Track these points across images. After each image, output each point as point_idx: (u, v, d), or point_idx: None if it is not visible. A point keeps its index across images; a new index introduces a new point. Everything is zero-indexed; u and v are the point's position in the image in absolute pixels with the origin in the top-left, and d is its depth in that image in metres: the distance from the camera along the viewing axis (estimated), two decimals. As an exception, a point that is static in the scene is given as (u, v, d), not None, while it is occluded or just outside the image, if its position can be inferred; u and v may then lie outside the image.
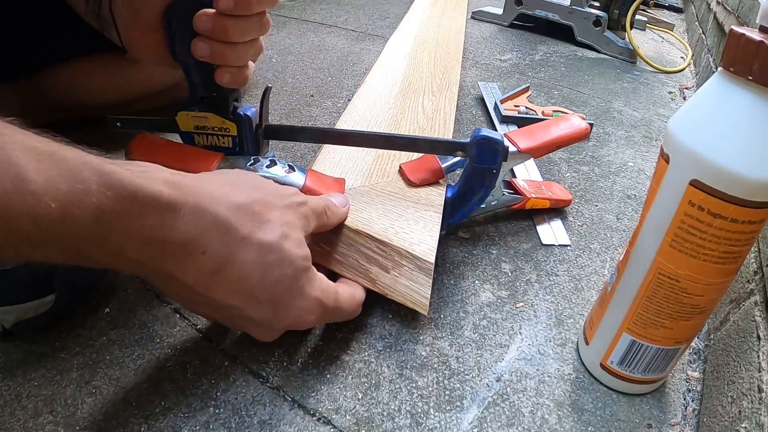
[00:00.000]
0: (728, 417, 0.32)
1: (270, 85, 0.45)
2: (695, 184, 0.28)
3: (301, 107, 0.74)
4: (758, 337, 0.33)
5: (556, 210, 0.57)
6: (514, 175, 0.61)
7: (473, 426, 0.34)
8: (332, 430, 0.33)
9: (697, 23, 1.35)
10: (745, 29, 0.27)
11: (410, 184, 0.47)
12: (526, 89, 0.81)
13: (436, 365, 0.38)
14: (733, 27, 0.27)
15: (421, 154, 0.49)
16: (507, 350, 0.40)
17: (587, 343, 0.39)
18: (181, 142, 0.44)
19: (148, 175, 0.27)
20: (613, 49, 1.14)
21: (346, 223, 0.40)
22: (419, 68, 0.77)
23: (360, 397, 0.35)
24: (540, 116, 0.73)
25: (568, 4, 1.16)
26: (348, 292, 0.37)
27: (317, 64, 0.90)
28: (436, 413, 0.35)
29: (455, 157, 0.47)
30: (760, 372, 0.31)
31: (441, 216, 0.44)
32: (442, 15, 1.08)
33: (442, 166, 0.48)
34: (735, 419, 0.31)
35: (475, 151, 0.43)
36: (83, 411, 0.32)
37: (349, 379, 0.36)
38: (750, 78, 0.26)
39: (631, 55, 1.12)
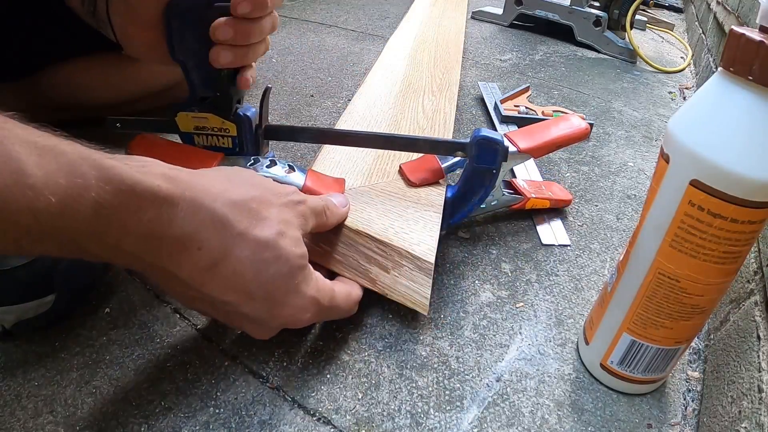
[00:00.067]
0: (728, 417, 0.32)
1: (270, 85, 0.45)
2: (695, 184, 0.28)
3: (301, 107, 0.74)
4: (758, 337, 0.33)
5: (556, 210, 0.57)
6: (514, 175, 0.61)
7: (473, 426, 0.34)
8: (332, 430, 0.33)
9: (697, 23, 1.35)
10: (745, 29, 0.27)
11: (410, 184, 0.47)
12: (526, 89, 0.81)
13: (436, 365, 0.38)
14: (733, 27, 0.27)
15: (421, 155, 0.49)
16: (507, 350, 0.40)
17: (587, 343, 0.39)
18: (180, 142, 0.44)
19: (147, 170, 0.27)
20: (613, 49, 1.14)
21: (346, 223, 0.40)
22: (419, 68, 0.77)
23: (360, 397, 0.35)
24: (540, 116, 0.73)
25: (568, 4, 1.16)
26: (344, 291, 0.37)
27: (317, 64, 0.90)
28: (436, 413, 0.35)
29: (455, 157, 0.47)
30: (760, 372, 0.31)
31: (441, 216, 0.44)
32: (442, 15, 1.08)
33: (442, 166, 0.48)
34: (735, 419, 0.31)
35: (475, 151, 0.43)
36: (83, 411, 0.32)
37: (349, 379, 0.36)
38: (750, 78, 0.26)
39: (631, 55, 1.12)
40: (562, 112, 0.74)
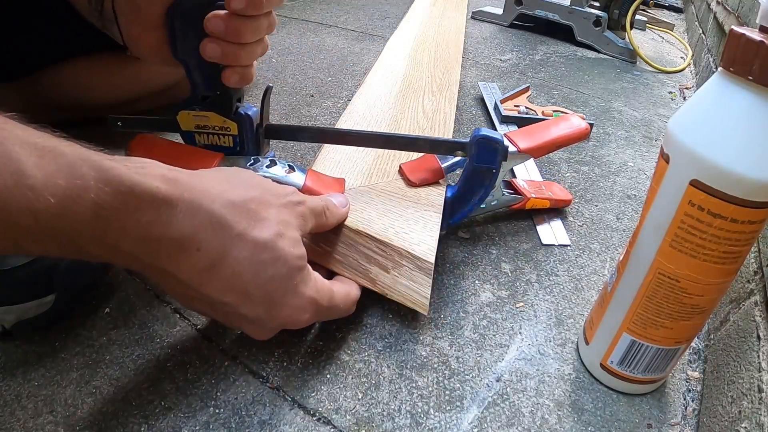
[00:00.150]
0: (728, 417, 0.32)
1: (271, 84, 0.45)
2: (695, 184, 0.28)
3: (301, 107, 0.74)
4: (758, 337, 0.33)
5: (556, 210, 0.57)
6: (514, 175, 0.61)
7: (473, 426, 0.34)
8: (332, 430, 0.33)
9: (697, 23, 1.35)
10: (745, 29, 0.27)
11: (410, 184, 0.47)
12: (526, 89, 0.81)
13: (436, 365, 0.38)
14: (733, 27, 0.27)
15: (421, 154, 0.49)
16: (507, 350, 0.40)
17: (587, 343, 0.39)
18: (181, 142, 0.44)
19: (146, 171, 0.27)
20: (613, 49, 1.14)
21: (346, 222, 0.40)
22: (419, 68, 0.77)
23: (360, 397, 0.35)
24: (540, 116, 0.73)
25: (568, 4, 1.16)
26: (343, 291, 0.37)
27: (317, 64, 0.90)
28: (436, 413, 0.35)
29: (455, 156, 0.47)
30: (760, 372, 0.31)
31: (441, 216, 0.44)
32: (442, 15, 1.08)
33: (442, 166, 0.48)
34: (735, 419, 0.31)
35: (475, 151, 0.43)
36: (83, 411, 0.32)
37: (349, 379, 0.36)
38: (750, 78, 0.26)
39: (631, 55, 1.12)
40: (562, 112, 0.74)
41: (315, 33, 1.06)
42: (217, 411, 0.33)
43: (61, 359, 0.35)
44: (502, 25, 1.26)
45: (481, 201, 0.46)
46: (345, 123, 0.59)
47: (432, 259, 0.39)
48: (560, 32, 1.20)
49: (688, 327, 0.34)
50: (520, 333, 0.42)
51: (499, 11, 1.26)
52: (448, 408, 0.35)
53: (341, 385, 0.36)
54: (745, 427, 0.30)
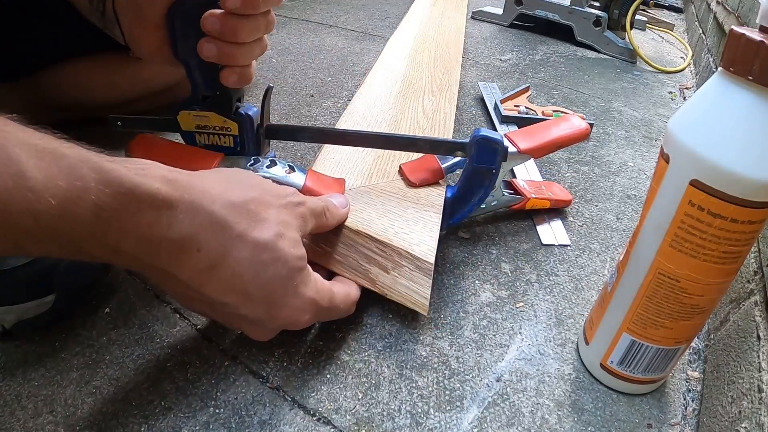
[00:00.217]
0: (728, 417, 0.32)
1: (271, 85, 0.45)
2: (695, 184, 0.28)
3: (301, 107, 0.74)
4: (758, 337, 0.33)
5: (556, 210, 0.57)
6: (514, 176, 0.61)
7: (473, 426, 0.34)
8: (332, 430, 0.33)
9: (697, 23, 1.35)
10: (745, 29, 0.27)
11: (410, 184, 0.47)
12: (526, 89, 0.81)
13: (436, 365, 0.38)
14: (733, 27, 0.27)
15: (421, 155, 0.49)
16: (507, 350, 0.40)
17: (587, 343, 0.39)
18: (181, 142, 0.44)
19: (146, 173, 0.27)
20: (613, 49, 1.14)
21: (346, 223, 0.40)
22: (419, 68, 0.77)
23: (360, 397, 0.35)
24: (540, 116, 0.73)
25: (568, 4, 1.16)
26: (343, 291, 0.37)
27: (317, 64, 0.90)
28: (436, 413, 0.35)
29: (455, 157, 0.47)
30: (760, 372, 0.31)
31: (441, 216, 0.44)
32: (442, 15, 1.08)
33: (442, 166, 0.48)
34: (735, 419, 0.31)
35: (475, 151, 0.43)
36: (83, 411, 0.32)
37: (349, 379, 0.36)
38: (750, 78, 0.26)
39: (631, 55, 1.12)
40: (562, 112, 0.74)
41: (315, 33, 1.06)
42: (217, 411, 0.33)
43: (61, 359, 0.35)
44: (502, 25, 1.26)
45: (480, 201, 0.46)
46: (345, 123, 0.59)
47: (432, 259, 0.39)
48: (560, 32, 1.20)
49: (688, 327, 0.34)
50: (520, 333, 0.42)
51: (499, 11, 1.26)
52: (448, 408, 0.35)
53: (341, 385, 0.36)
54: (745, 427, 0.30)
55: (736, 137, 0.27)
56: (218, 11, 0.36)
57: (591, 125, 0.50)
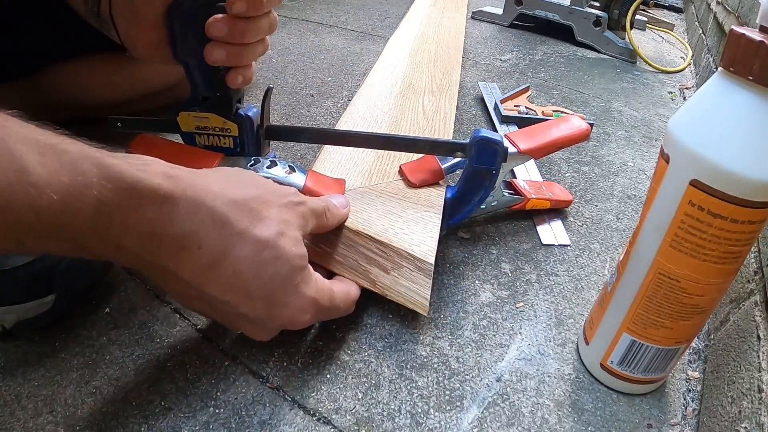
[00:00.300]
0: (728, 417, 0.32)
1: (271, 86, 0.45)
2: (695, 184, 0.28)
3: (301, 107, 0.74)
4: (758, 337, 0.33)
5: (556, 210, 0.57)
6: (514, 176, 0.61)
7: (473, 426, 0.34)
8: (332, 430, 0.33)
9: (697, 23, 1.35)
10: (745, 29, 0.27)
11: (410, 184, 0.47)
12: (526, 89, 0.81)
13: (436, 365, 0.38)
14: (733, 27, 0.27)
15: (421, 155, 0.49)
16: (507, 350, 0.40)
17: (587, 343, 0.39)
18: (181, 142, 0.44)
19: (148, 168, 0.27)
20: (613, 49, 1.14)
21: (346, 223, 0.40)
22: (419, 68, 0.77)
23: (360, 397, 0.35)
24: (540, 116, 0.73)
25: (568, 4, 1.16)
26: (343, 291, 0.37)
27: (317, 64, 0.90)
28: (436, 413, 0.35)
29: (455, 157, 0.47)
30: (760, 372, 0.31)
31: (441, 217, 0.44)
32: (442, 15, 1.08)
33: (442, 166, 0.48)
34: (735, 419, 0.31)
35: (475, 152, 0.43)
36: (83, 411, 0.32)
37: (349, 379, 0.36)
38: (750, 78, 0.26)
39: (631, 55, 1.12)
40: (563, 112, 0.74)
41: (315, 33, 1.06)
42: (217, 411, 0.33)
43: (61, 359, 0.35)
44: (502, 25, 1.26)
45: (480, 202, 0.46)
46: (345, 123, 0.59)
47: (432, 260, 0.39)
48: (560, 32, 1.20)
49: (688, 327, 0.34)
50: (520, 333, 0.42)
51: (499, 11, 1.26)
52: (448, 408, 0.35)
53: (341, 385, 0.36)
54: (745, 427, 0.30)
55: (736, 137, 0.27)
56: (221, 16, 0.36)
57: (591, 125, 0.50)
